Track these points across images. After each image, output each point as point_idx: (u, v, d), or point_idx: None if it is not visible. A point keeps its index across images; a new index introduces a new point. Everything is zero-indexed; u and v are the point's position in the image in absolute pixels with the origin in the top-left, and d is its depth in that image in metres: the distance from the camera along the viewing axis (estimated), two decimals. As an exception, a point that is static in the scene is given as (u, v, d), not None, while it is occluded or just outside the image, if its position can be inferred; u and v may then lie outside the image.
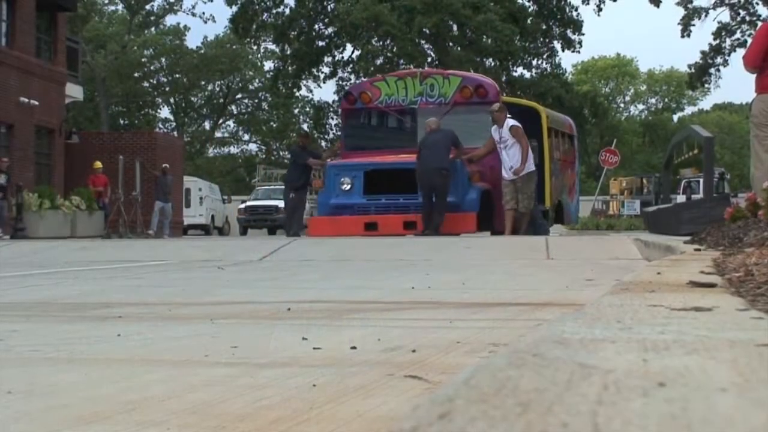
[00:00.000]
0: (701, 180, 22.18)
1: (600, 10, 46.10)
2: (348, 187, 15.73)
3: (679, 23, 43.34)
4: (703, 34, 66.86)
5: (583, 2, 45.96)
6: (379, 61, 43.48)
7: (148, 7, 59.29)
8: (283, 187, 21.67)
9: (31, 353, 3.00)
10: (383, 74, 20.63)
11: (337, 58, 46.70)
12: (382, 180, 15.58)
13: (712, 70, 44.53)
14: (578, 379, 1.03)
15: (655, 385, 0.99)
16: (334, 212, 15.73)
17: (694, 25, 43.28)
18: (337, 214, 15.65)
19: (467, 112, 16.12)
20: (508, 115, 15.18)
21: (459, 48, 45.69)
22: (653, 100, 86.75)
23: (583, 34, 47.53)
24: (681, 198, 35.29)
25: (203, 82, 65.41)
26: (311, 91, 72.77)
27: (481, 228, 15.40)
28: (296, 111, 65.42)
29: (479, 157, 15.40)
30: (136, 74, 61.24)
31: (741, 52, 10.51)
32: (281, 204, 28.69)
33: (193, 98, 67.27)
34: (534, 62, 47.89)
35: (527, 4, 47.50)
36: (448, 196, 14.90)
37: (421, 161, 14.83)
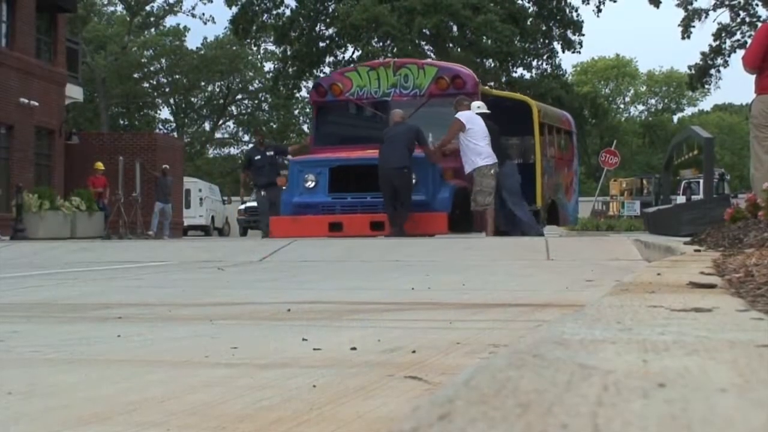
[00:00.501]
0: (701, 181, 22.18)
1: (599, 10, 46.16)
2: (312, 184, 14.81)
3: (679, 25, 43.39)
4: (704, 35, 66.91)
5: (583, 2, 46.01)
6: (379, 62, 43.53)
7: (147, 8, 59.30)
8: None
9: (32, 354, 3.00)
10: (356, 64, 20.05)
11: (337, 59, 46.71)
12: (349, 177, 14.62)
13: (713, 71, 44.56)
14: (578, 380, 1.03)
15: (655, 385, 0.99)
16: (297, 211, 14.82)
17: (694, 26, 43.32)
18: (301, 213, 14.76)
19: (444, 105, 14.92)
20: (466, 110, 14.20)
21: (459, 49, 45.70)
22: (653, 101, 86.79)
23: (583, 35, 47.58)
24: (681, 199, 35.31)
25: (203, 83, 65.43)
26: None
27: (458, 229, 14.42)
28: (296, 112, 65.46)
29: (443, 145, 14.36)
30: (136, 75, 61.26)
31: (741, 53, 10.51)
32: None
33: (193, 99, 67.29)
34: (534, 63, 47.94)
35: (527, 4, 47.52)
36: (418, 194, 14.04)
37: (380, 158, 13.96)
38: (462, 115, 14.08)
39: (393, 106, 15.17)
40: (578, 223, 21.82)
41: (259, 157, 17.98)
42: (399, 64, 16.11)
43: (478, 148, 13.97)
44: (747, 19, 42.80)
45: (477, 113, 14.19)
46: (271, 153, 17.92)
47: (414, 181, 14.13)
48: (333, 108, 16.23)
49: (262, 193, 17.89)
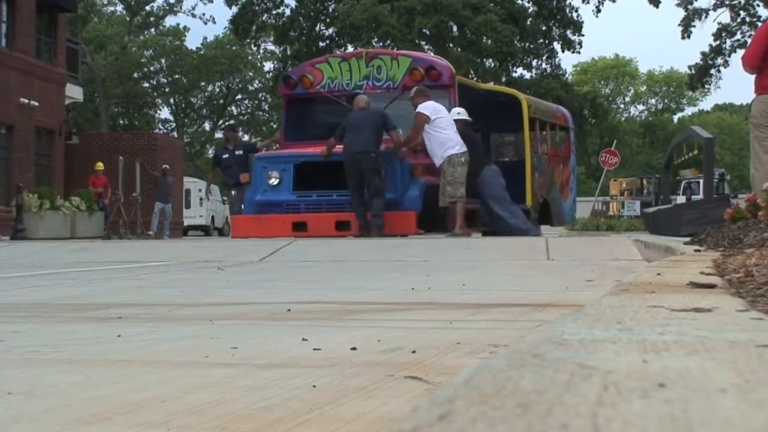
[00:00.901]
0: (701, 181, 22.12)
1: (599, 11, 46.19)
2: (276, 181, 14.08)
3: (679, 25, 43.42)
4: (704, 35, 66.90)
5: (583, 2, 46.04)
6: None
7: (148, 8, 59.32)
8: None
9: (32, 354, 3.00)
10: (327, 55, 19.41)
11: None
12: (315, 174, 13.87)
13: (713, 71, 44.59)
14: (578, 380, 1.03)
15: (655, 386, 0.99)
16: (260, 210, 14.12)
17: (694, 26, 43.36)
18: (264, 212, 14.07)
19: None
20: (426, 101, 13.44)
21: (459, 49, 45.71)
22: (653, 101, 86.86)
23: (583, 35, 47.65)
24: (681, 199, 35.35)
25: (203, 83, 65.46)
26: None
27: (429, 229, 13.65)
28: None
29: (409, 143, 13.62)
30: (135, 75, 61.28)
31: (741, 53, 10.52)
32: None
33: (193, 99, 67.32)
34: (534, 63, 47.98)
35: (527, 4, 47.55)
36: (386, 193, 13.25)
37: (345, 144, 13.16)
38: (425, 108, 13.34)
39: None
40: (575, 223, 21.32)
41: (227, 156, 17.30)
42: (372, 55, 15.40)
43: (445, 137, 13.27)
44: (747, 19, 42.83)
45: (456, 119, 13.54)
46: (240, 152, 17.12)
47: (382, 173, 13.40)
48: (303, 101, 15.44)
49: (233, 192, 17.12)
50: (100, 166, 27.01)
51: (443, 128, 13.27)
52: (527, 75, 48.09)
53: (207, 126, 69.53)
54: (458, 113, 13.77)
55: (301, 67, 16.56)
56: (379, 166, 13.24)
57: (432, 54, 16.79)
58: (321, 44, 46.15)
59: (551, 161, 17.31)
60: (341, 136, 13.36)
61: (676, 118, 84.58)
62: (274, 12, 47.47)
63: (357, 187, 13.20)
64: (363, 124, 13.21)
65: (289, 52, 46.81)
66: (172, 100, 67.01)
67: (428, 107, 13.33)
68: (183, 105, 67.69)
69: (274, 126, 66.52)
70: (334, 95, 15.08)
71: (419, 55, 17.22)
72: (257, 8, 47.06)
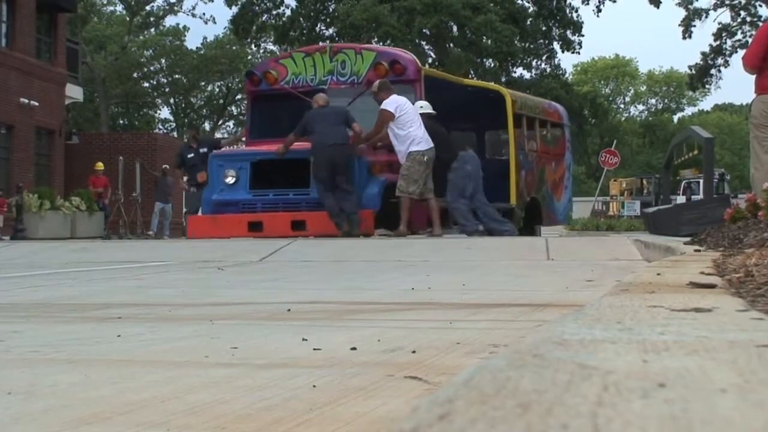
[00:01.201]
0: (701, 181, 22.10)
1: (599, 11, 46.21)
2: (232, 180, 13.67)
3: (680, 25, 43.46)
4: (704, 35, 66.94)
5: (583, 2, 46.06)
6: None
7: (148, 8, 59.34)
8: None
9: (32, 354, 3.00)
10: (291, 50, 18.79)
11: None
12: (272, 172, 13.48)
13: (713, 71, 44.61)
14: (578, 380, 1.03)
15: (655, 386, 0.99)
16: (216, 210, 13.71)
17: (694, 26, 43.37)
18: (220, 212, 13.66)
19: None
20: (391, 95, 13.07)
21: (459, 49, 45.73)
22: (653, 101, 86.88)
23: (583, 36, 47.67)
24: (681, 199, 35.35)
25: (203, 83, 65.44)
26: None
27: (390, 228, 13.14)
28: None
29: (370, 139, 13.31)
30: (135, 75, 61.27)
31: (742, 53, 10.54)
32: None
33: (193, 99, 67.32)
34: (534, 63, 48.00)
35: (527, 4, 47.57)
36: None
37: (316, 139, 12.77)
38: (388, 104, 12.98)
39: (330, 95, 13.97)
40: (575, 223, 20.82)
41: (192, 155, 16.98)
42: (336, 50, 14.94)
43: (409, 133, 12.91)
44: (748, 19, 42.84)
45: (421, 113, 13.18)
46: (205, 150, 16.55)
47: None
48: (268, 98, 14.95)
49: (192, 190, 16.73)
50: (100, 166, 27.02)
51: (408, 124, 12.97)
52: (527, 75, 48.14)
53: (207, 126, 69.53)
54: (421, 107, 13.40)
55: (265, 63, 16.27)
56: (351, 159, 12.99)
57: (402, 51, 16.02)
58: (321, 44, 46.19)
59: (541, 159, 16.86)
60: (302, 133, 13.06)
61: (676, 118, 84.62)
62: (274, 12, 47.49)
63: (327, 180, 12.83)
64: (330, 118, 12.94)
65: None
66: (172, 100, 67.01)
67: (392, 103, 12.99)
68: (183, 105, 67.70)
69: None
70: (299, 91, 14.57)
71: (384, 49, 16.79)
72: (257, 8, 47.08)
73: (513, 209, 15.30)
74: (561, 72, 49.64)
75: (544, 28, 47.33)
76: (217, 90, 67.26)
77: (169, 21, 68.04)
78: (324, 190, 12.89)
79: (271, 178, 13.51)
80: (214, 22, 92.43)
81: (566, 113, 19.20)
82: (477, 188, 13.78)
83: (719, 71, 44.61)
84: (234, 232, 13.13)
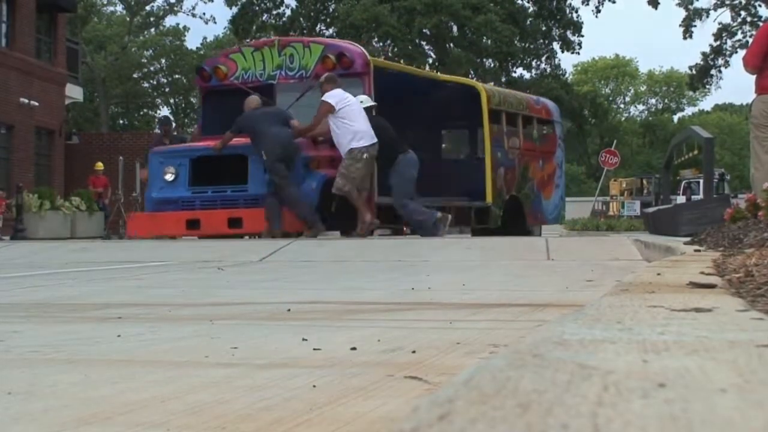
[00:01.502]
0: (701, 181, 22.09)
1: (598, 11, 46.23)
2: (172, 177, 13.34)
3: (680, 25, 43.47)
4: (704, 35, 66.99)
5: (582, 2, 46.07)
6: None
7: (148, 8, 59.35)
8: None
9: (31, 354, 3.00)
10: (240, 44, 18.63)
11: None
12: (212, 168, 13.13)
13: (713, 71, 44.63)
14: (578, 380, 1.03)
15: (655, 386, 0.99)
16: (156, 208, 13.42)
17: (695, 26, 43.38)
18: (160, 209, 13.34)
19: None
20: (336, 88, 12.77)
21: (459, 49, 45.74)
22: (653, 101, 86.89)
23: (583, 36, 47.70)
24: (681, 199, 35.34)
25: (203, 83, 65.36)
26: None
27: (331, 226, 12.92)
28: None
29: (308, 132, 12.96)
30: (135, 75, 61.29)
31: (742, 53, 10.55)
32: None
33: (193, 99, 67.29)
34: (534, 63, 48.02)
35: (527, 5, 47.59)
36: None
37: (270, 137, 12.47)
38: (330, 97, 12.65)
39: (279, 90, 13.84)
40: (562, 222, 20.12)
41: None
42: (284, 44, 14.57)
43: (352, 128, 12.58)
44: (748, 19, 42.84)
45: (364, 107, 12.82)
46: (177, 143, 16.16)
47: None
48: (218, 93, 14.59)
49: None
50: (100, 166, 27.02)
51: (351, 119, 12.63)
52: (527, 75, 48.15)
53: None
54: (361, 101, 13.00)
55: (215, 58, 15.93)
56: (299, 156, 12.79)
57: (350, 43, 15.55)
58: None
59: (524, 156, 16.43)
60: (239, 131, 12.81)
61: (676, 118, 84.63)
62: (274, 12, 47.50)
63: (281, 179, 12.56)
64: (274, 119, 12.75)
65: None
66: (172, 100, 67.00)
67: (333, 96, 12.67)
68: (183, 105, 67.68)
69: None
70: (248, 86, 14.17)
71: (331, 41, 16.42)
72: (257, 8, 47.09)
73: (489, 208, 15.02)
74: (561, 72, 49.68)
75: (544, 28, 47.35)
76: (217, 90, 67.21)
77: (169, 21, 68.07)
78: (289, 182, 12.57)
79: (210, 174, 13.18)
80: (214, 22, 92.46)
81: (557, 110, 18.79)
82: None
83: (719, 71, 44.64)
84: (172, 231, 12.98)
